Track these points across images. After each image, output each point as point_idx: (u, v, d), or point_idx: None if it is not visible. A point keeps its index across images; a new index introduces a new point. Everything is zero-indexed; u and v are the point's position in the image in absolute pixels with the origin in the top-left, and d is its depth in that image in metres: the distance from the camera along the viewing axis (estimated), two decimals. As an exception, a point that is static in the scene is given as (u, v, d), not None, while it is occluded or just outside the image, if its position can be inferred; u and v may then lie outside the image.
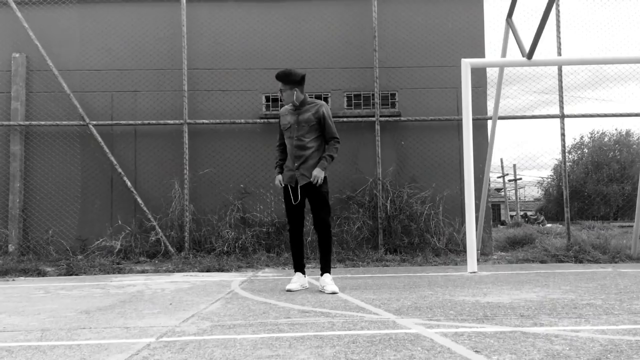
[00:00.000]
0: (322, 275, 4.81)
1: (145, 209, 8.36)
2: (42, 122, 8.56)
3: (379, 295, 4.44)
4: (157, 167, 8.70)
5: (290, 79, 4.75)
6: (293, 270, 4.99)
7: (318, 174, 4.71)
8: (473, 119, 6.64)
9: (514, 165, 44.63)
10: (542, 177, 46.59)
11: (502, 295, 4.28)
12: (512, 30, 7.05)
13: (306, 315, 3.51)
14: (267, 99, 8.90)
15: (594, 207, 35.20)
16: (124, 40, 8.90)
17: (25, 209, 8.61)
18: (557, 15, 8.47)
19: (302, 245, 4.94)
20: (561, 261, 7.49)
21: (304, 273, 4.94)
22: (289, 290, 4.73)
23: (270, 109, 8.89)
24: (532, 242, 9.01)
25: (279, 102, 8.86)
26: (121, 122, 8.60)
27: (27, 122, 8.57)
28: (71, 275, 6.88)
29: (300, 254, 4.93)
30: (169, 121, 8.56)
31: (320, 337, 2.84)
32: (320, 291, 4.72)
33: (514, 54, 7.16)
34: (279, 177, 4.94)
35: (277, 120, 8.55)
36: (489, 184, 8.38)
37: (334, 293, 4.58)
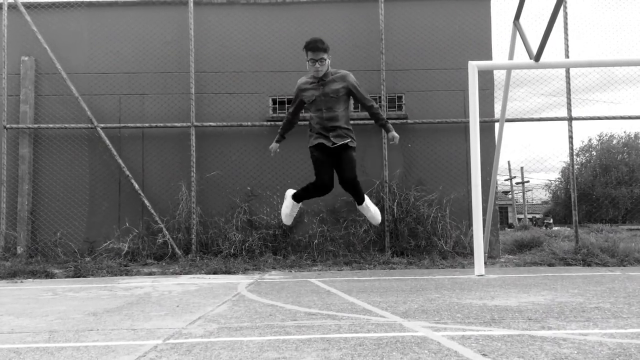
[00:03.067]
0: (360, 204, 4.89)
1: (152, 211, 8.39)
2: (51, 125, 8.62)
3: (386, 298, 4.43)
4: (165, 170, 8.73)
5: (326, 45, 4.60)
6: (290, 204, 4.93)
7: (396, 136, 4.87)
8: (480, 122, 6.62)
9: (522, 168, 44.51)
10: (550, 180, 46.34)
11: (509, 299, 4.26)
12: (519, 33, 7.03)
13: (313, 318, 3.51)
14: (274, 101, 8.91)
15: (602, 210, 34.98)
16: (132, 44, 8.95)
17: (34, 211, 8.66)
18: (565, 17, 8.44)
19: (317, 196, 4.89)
20: (569, 264, 7.45)
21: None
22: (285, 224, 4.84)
23: (277, 111, 8.90)
24: (540, 245, 8.96)
25: (286, 104, 8.88)
26: (129, 124, 8.65)
27: (35, 125, 8.63)
28: (79, 277, 6.91)
29: (310, 197, 4.91)
30: (176, 124, 8.59)
31: (327, 339, 2.84)
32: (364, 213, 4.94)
33: (522, 56, 7.13)
34: (276, 145, 4.98)
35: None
36: (496, 187, 8.35)
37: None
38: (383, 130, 8.40)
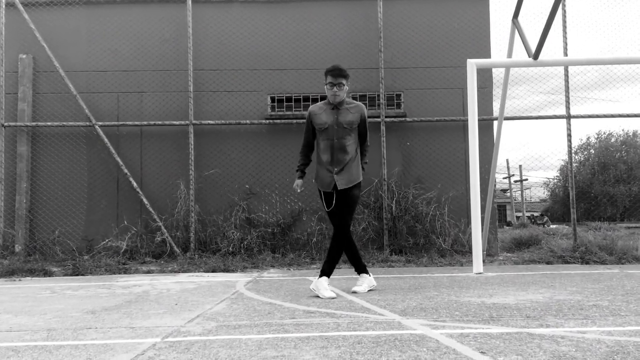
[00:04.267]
0: (329, 277, 4.62)
1: (151, 209, 8.38)
2: (49, 123, 8.60)
3: (384, 296, 4.43)
4: (163, 168, 8.72)
5: (346, 72, 4.62)
6: (357, 273, 4.74)
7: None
8: (479, 120, 6.62)
9: (520, 166, 44.57)
10: (548, 178, 46.42)
11: (508, 296, 4.27)
12: (518, 31, 7.02)
13: (311, 316, 3.51)
14: (273, 99, 8.90)
15: (600, 208, 35.06)
16: (130, 42, 8.93)
17: (32, 209, 8.65)
18: (564, 16, 8.44)
19: (354, 244, 4.72)
20: (567, 262, 7.46)
21: (368, 272, 4.77)
22: (355, 292, 4.53)
23: (276, 109, 8.89)
24: (538, 243, 8.97)
25: (285, 103, 8.87)
26: (127, 122, 8.63)
27: (33, 123, 8.61)
28: (77, 275, 6.90)
29: (357, 253, 4.71)
30: (174, 122, 8.58)
31: (326, 337, 2.84)
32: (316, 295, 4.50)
33: (520, 54, 7.13)
34: (299, 182, 4.85)
35: (282, 121, 8.61)
36: (495, 185, 8.35)
37: (332, 298, 4.34)
38: (384, 129, 8.45)
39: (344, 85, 4.58)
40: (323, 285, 4.49)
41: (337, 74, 4.56)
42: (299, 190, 4.91)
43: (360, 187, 4.72)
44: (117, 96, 8.86)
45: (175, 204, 8.50)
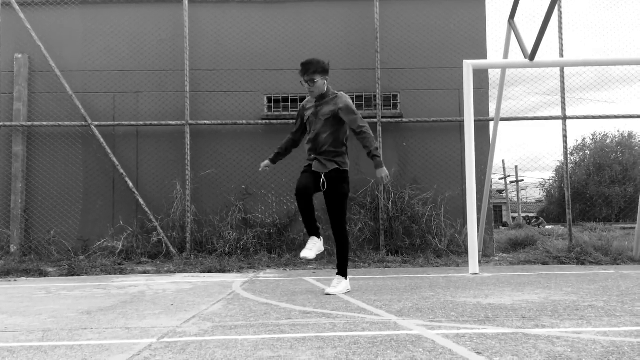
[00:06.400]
0: (339, 273, 4.76)
1: (147, 209, 8.36)
2: (44, 123, 8.58)
3: (381, 296, 4.44)
4: (159, 168, 8.70)
5: (322, 66, 4.57)
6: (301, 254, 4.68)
7: (384, 174, 4.54)
8: (475, 121, 6.63)
9: (516, 167, 44.62)
10: (544, 179, 46.59)
11: (503, 297, 4.27)
12: (514, 32, 7.04)
13: (307, 316, 3.51)
14: (269, 100, 8.90)
15: (596, 209, 35.19)
16: (126, 41, 8.91)
17: (27, 209, 8.62)
18: (560, 17, 8.47)
19: (312, 210, 4.58)
20: (563, 263, 7.48)
21: (318, 236, 4.68)
22: (303, 258, 4.50)
23: (272, 110, 8.89)
24: (534, 244, 9.00)
25: (281, 103, 8.87)
26: (123, 122, 8.62)
27: (29, 123, 8.59)
28: (73, 275, 6.88)
29: (311, 218, 4.60)
30: (170, 122, 8.56)
31: (322, 338, 2.84)
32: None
33: (516, 55, 7.15)
34: (265, 162, 4.95)
35: (279, 121, 8.61)
36: (491, 186, 8.37)
37: (327, 294, 4.52)
38: (380, 129, 8.45)
39: (315, 80, 4.55)
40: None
41: (304, 70, 4.57)
42: (260, 169, 5.02)
43: (347, 182, 4.67)
44: (113, 96, 8.84)
45: (171, 204, 8.48)
